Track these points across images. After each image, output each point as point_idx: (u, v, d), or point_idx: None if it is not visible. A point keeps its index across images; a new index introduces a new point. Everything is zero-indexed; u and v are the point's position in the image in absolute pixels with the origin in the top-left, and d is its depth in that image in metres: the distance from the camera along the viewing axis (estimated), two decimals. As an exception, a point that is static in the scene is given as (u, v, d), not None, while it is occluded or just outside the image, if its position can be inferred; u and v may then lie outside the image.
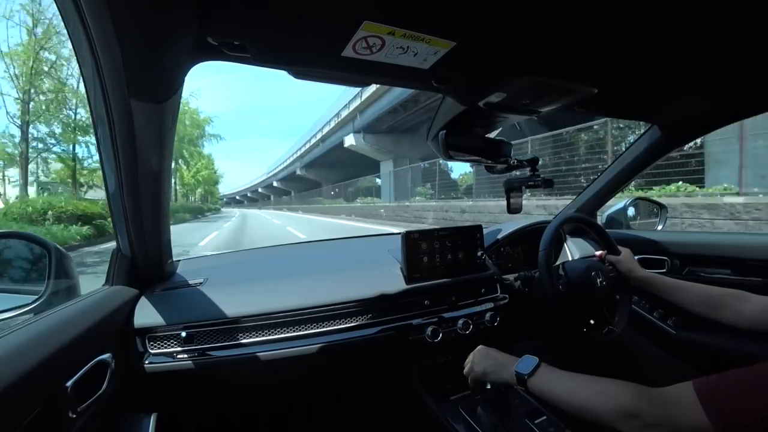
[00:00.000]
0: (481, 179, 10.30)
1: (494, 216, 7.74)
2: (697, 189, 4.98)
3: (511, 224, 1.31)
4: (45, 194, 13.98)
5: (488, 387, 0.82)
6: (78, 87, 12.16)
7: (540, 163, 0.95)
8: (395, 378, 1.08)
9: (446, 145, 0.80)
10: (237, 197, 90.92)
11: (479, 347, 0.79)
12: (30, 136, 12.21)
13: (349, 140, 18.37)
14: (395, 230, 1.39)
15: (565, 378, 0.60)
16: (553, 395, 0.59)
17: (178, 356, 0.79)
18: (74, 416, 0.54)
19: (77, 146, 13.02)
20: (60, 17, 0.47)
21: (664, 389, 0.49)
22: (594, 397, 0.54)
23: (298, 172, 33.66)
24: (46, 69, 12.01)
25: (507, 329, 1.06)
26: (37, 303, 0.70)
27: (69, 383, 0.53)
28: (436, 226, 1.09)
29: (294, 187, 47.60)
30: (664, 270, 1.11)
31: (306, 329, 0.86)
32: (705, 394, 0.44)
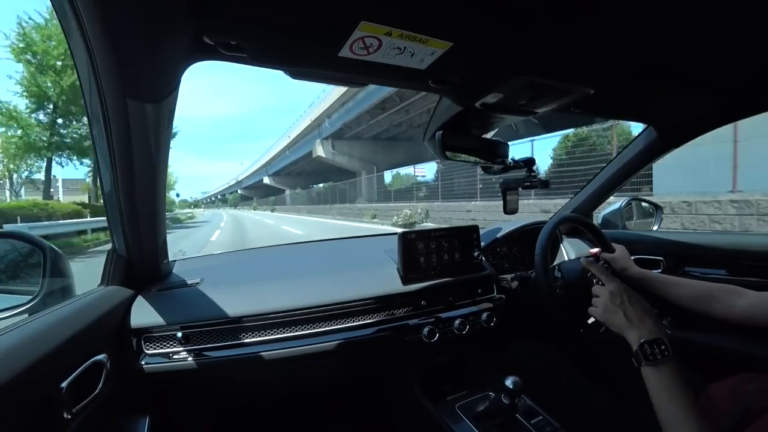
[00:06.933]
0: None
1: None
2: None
3: (508, 224, 1.32)
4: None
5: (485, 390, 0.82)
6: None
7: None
8: (392, 378, 1.08)
9: (443, 145, 0.80)
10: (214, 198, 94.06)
11: (616, 288, 0.68)
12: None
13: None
14: (395, 231, 1.39)
15: (676, 393, 0.53)
16: (654, 398, 0.55)
17: (174, 357, 0.79)
18: (69, 417, 0.54)
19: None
20: (55, 15, 0.47)
21: None
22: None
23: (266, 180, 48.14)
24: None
25: (503, 329, 1.06)
26: (31, 303, 0.69)
27: (64, 384, 0.53)
28: (433, 227, 1.08)
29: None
30: (660, 270, 1.11)
31: (302, 330, 0.86)
32: None
